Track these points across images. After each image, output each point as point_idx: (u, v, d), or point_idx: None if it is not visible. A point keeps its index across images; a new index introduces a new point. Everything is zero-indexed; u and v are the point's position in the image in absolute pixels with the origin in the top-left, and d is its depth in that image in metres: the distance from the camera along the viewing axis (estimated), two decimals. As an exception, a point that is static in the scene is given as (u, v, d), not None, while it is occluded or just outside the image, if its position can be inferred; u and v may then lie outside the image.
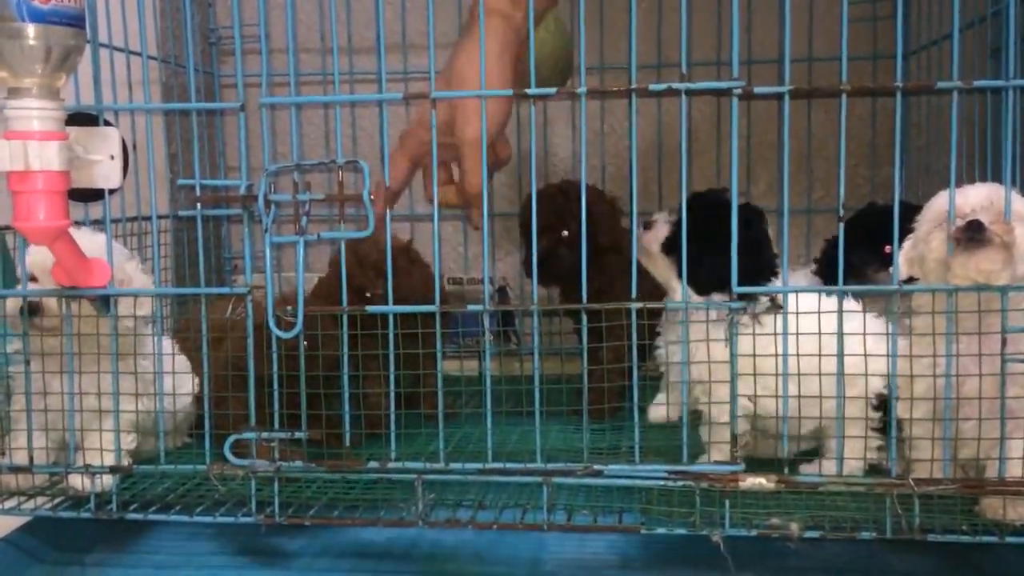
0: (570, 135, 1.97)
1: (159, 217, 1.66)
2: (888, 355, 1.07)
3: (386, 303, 1.12)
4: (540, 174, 1.97)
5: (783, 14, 1.06)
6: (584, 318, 1.10)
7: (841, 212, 1.06)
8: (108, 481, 1.20)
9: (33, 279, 1.19)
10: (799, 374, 1.07)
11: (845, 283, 1.06)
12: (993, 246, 1.04)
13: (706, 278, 1.14)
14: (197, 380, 1.34)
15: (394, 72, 1.94)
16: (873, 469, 1.21)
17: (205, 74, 1.97)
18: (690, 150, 1.92)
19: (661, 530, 1.10)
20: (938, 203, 1.12)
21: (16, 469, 1.20)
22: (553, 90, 1.08)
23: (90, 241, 1.16)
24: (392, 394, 1.15)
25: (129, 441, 1.24)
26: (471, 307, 1.12)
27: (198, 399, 1.35)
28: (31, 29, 0.99)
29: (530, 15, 1.09)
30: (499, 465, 1.13)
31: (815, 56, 1.82)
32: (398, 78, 1.94)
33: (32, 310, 1.17)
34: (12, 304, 1.18)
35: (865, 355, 1.09)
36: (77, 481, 1.20)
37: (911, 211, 1.15)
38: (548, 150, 2.00)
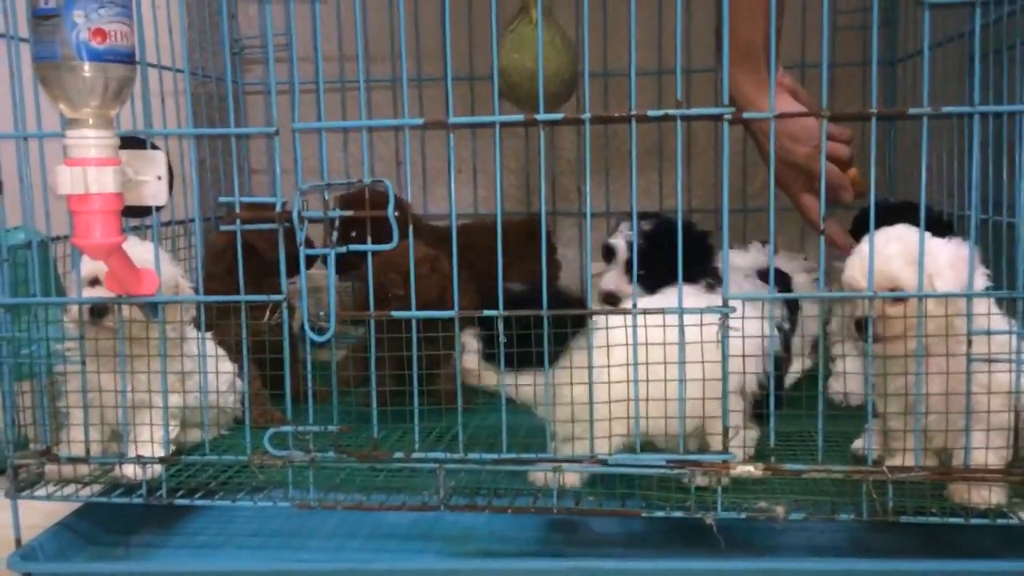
0: (575, 139, 2.08)
1: (189, 221, 1.79)
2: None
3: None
4: (548, 174, 2.07)
5: (772, 47, 1.15)
6: (590, 321, 1.21)
7: (823, 225, 1.17)
8: (158, 470, 1.32)
9: (96, 282, 1.30)
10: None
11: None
12: (880, 339, 1.17)
13: None
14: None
15: (409, 79, 2.04)
16: (853, 457, 1.33)
17: (231, 83, 2.08)
18: (688, 156, 2.05)
19: (660, 514, 1.22)
20: (852, 264, 1.21)
21: (74, 460, 1.32)
22: (560, 116, 1.18)
23: (136, 248, 1.27)
24: (416, 391, 1.26)
25: (172, 427, 1.36)
26: (486, 312, 1.23)
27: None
28: (88, 66, 1.10)
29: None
30: (513, 455, 1.24)
31: (808, 63, 1.92)
32: (412, 84, 2.04)
33: (100, 312, 1.28)
34: (76, 308, 1.30)
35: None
36: (129, 470, 1.31)
37: (912, 210, 1.23)
38: (555, 152, 2.11)
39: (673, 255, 1.18)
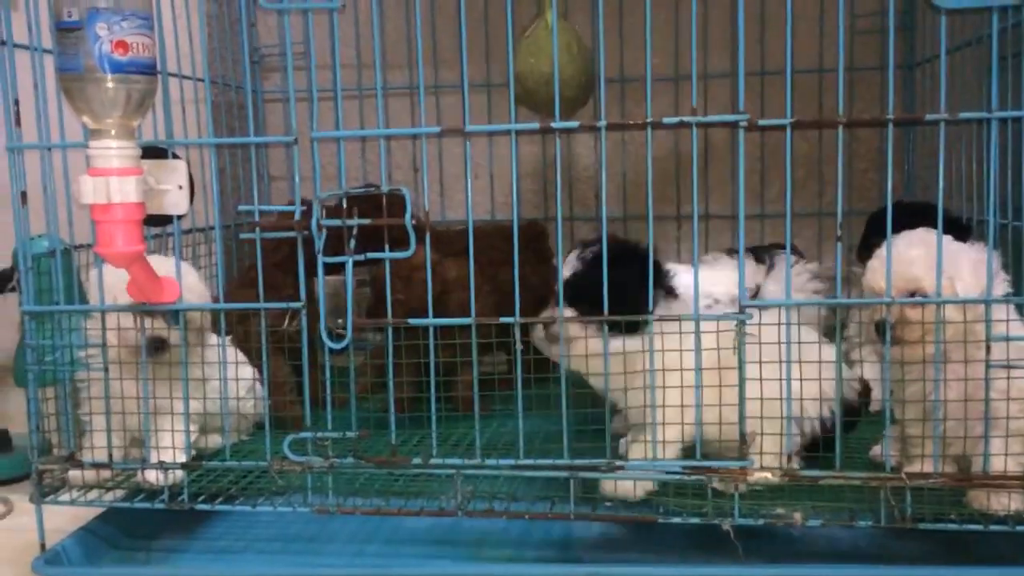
0: (592, 144, 2.09)
1: (209, 228, 1.81)
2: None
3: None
4: (565, 180, 2.08)
5: (788, 51, 1.15)
6: (605, 328, 1.22)
7: (839, 232, 1.16)
8: (179, 475, 1.33)
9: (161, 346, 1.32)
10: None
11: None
12: (899, 343, 1.18)
13: None
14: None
15: (426, 86, 2.05)
16: (872, 464, 1.32)
17: (251, 92, 2.10)
18: (706, 160, 2.05)
19: (677, 520, 1.22)
20: (873, 267, 1.22)
21: (98, 465, 1.34)
22: (576, 123, 1.19)
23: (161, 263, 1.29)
24: (432, 397, 1.27)
25: (192, 433, 1.38)
26: (503, 319, 1.24)
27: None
28: (111, 78, 1.12)
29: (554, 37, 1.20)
30: (530, 461, 1.25)
31: (825, 68, 1.92)
32: (429, 91, 2.05)
33: (158, 347, 1.30)
34: (133, 337, 1.31)
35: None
36: (152, 476, 1.33)
37: (929, 211, 1.21)
38: (572, 159, 2.11)
39: (613, 281, 1.18)
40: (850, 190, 2.02)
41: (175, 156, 1.25)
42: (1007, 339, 1.14)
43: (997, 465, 1.17)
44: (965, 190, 1.58)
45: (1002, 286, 1.17)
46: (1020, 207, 1.38)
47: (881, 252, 1.20)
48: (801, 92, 1.89)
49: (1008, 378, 1.15)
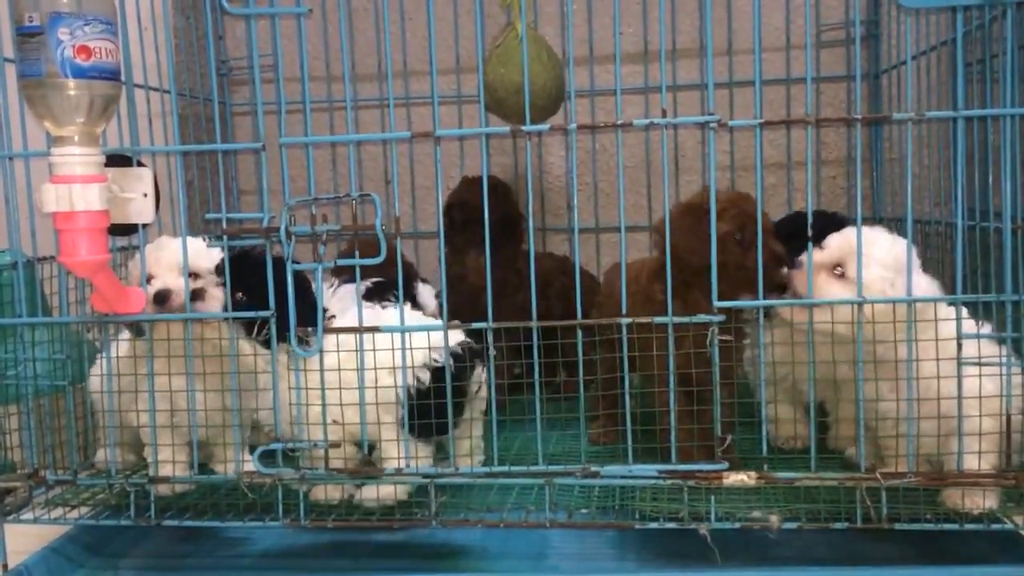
0: (564, 154, 2.08)
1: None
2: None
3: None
4: (536, 190, 2.07)
5: (756, 55, 1.15)
6: (579, 333, 1.21)
7: (811, 232, 1.17)
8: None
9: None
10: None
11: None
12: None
13: None
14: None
15: (397, 98, 2.05)
16: (847, 464, 1.32)
17: (219, 104, 2.08)
18: (677, 168, 2.06)
19: (653, 525, 1.21)
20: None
21: (62, 482, 1.30)
22: (547, 126, 1.18)
23: None
24: (405, 407, 1.25)
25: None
26: (476, 324, 1.22)
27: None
28: (73, 83, 1.10)
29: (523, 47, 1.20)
30: (504, 468, 1.23)
31: (792, 77, 1.93)
32: (400, 103, 2.05)
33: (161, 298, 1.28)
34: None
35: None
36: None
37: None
38: (544, 169, 2.11)
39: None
40: (819, 196, 2.03)
41: (140, 164, 1.23)
42: (959, 338, 1.15)
43: (969, 465, 1.17)
44: (932, 196, 1.59)
45: (924, 282, 1.19)
46: (987, 209, 1.40)
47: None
48: (769, 101, 1.90)
49: (980, 377, 1.15)
